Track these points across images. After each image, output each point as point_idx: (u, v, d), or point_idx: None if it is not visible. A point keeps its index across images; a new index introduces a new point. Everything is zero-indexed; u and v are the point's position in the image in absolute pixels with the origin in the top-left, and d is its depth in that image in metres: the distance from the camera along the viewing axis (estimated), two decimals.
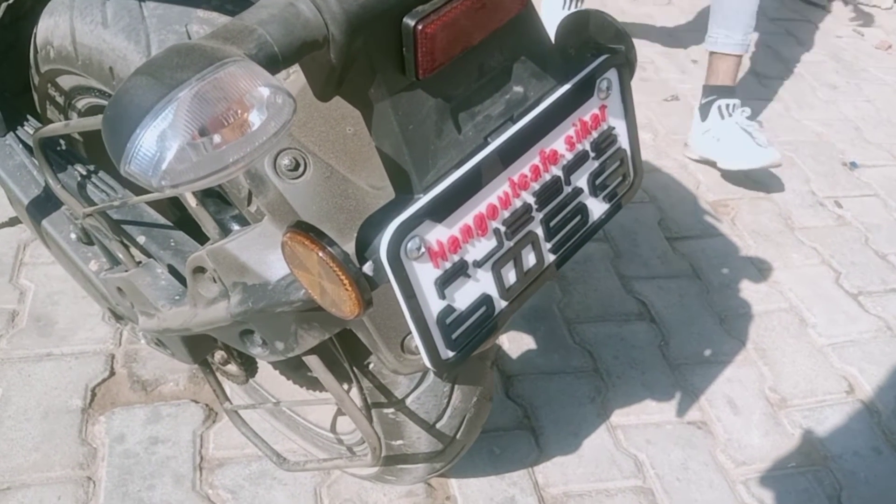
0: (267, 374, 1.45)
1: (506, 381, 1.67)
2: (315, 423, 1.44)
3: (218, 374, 1.35)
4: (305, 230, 0.69)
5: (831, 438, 1.65)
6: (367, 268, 0.71)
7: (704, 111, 2.30)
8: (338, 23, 0.62)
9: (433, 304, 0.76)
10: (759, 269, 2.03)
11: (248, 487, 1.43)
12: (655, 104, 2.60)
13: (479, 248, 0.78)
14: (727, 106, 2.24)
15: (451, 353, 0.79)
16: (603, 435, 1.60)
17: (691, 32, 3.01)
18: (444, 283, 0.76)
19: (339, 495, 1.43)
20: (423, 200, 0.72)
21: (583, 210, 0.86)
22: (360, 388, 1.16)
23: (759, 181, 2.32)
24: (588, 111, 0.83)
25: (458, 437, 1.20)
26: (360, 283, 0.69)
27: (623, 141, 0.88)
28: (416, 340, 0.76)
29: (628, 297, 1.91)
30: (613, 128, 0.86)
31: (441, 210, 0.73)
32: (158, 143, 0.52)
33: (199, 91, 0.52)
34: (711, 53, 2.25)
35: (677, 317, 1.87)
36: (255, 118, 0.55)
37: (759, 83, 2.81)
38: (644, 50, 2.88)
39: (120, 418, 1.52)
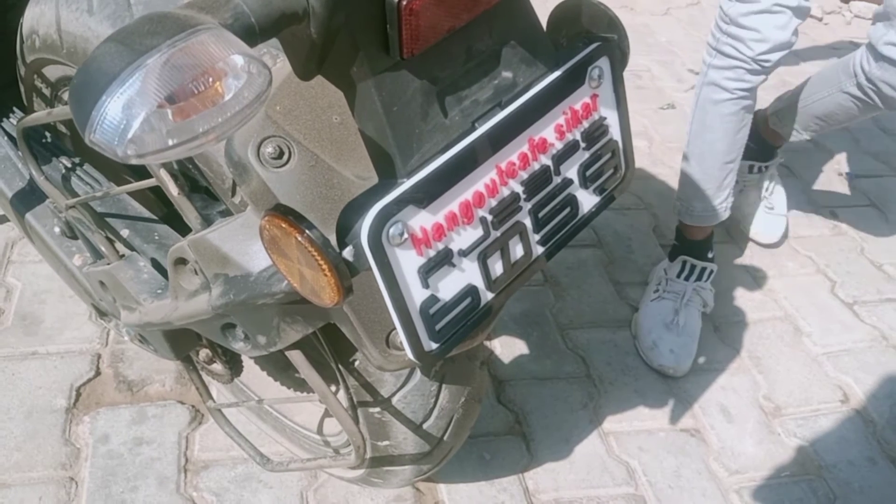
0: (254, 374, 1.43)
1: (497, 386, 1.65)
2: (302, 425, 1.42)
3: (203, 374, 1.33)
4: (284, 213, 0.66)
5: (826, 448, 1.62)
6: (348, 253, 0.69)
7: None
8: None
9: (416, 293, 0.73)
10: (754, 278, 2.01)
11: (234, 490, 1.41)
12: (651, 112, 2.58)
13: (465, 236, 0.75)
14: (758, 168, 2.13)
15: (434, 345, 0.77)
16: (595, 441, 1.57)
17: (688, 42, 3.01)
18: (428, 271, 0.73)
19: (325, 499, 1.41)
20: (407, 185, 0.70)
21: (572, 202, 0.84)
22: (346, 387, 1.13)
23: None
24: (579, 99, 0.80)
25: (445, 438, 1.18)
26: (339, 268, 0.67)
27: (615, 132, 0.86)
28: (399, 330, 0.74)
29: (622, 304, 1.89)
30: (605, 118, 0.84)
31: (425, 195, 0.71)
32: (125, 111, 0.50)
33: (170, 58, 0.51)
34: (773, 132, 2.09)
35: None
36: (227, 88, 0.53)
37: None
38: (640, 59, 2.87)
39: (104, 419, 1.50)
